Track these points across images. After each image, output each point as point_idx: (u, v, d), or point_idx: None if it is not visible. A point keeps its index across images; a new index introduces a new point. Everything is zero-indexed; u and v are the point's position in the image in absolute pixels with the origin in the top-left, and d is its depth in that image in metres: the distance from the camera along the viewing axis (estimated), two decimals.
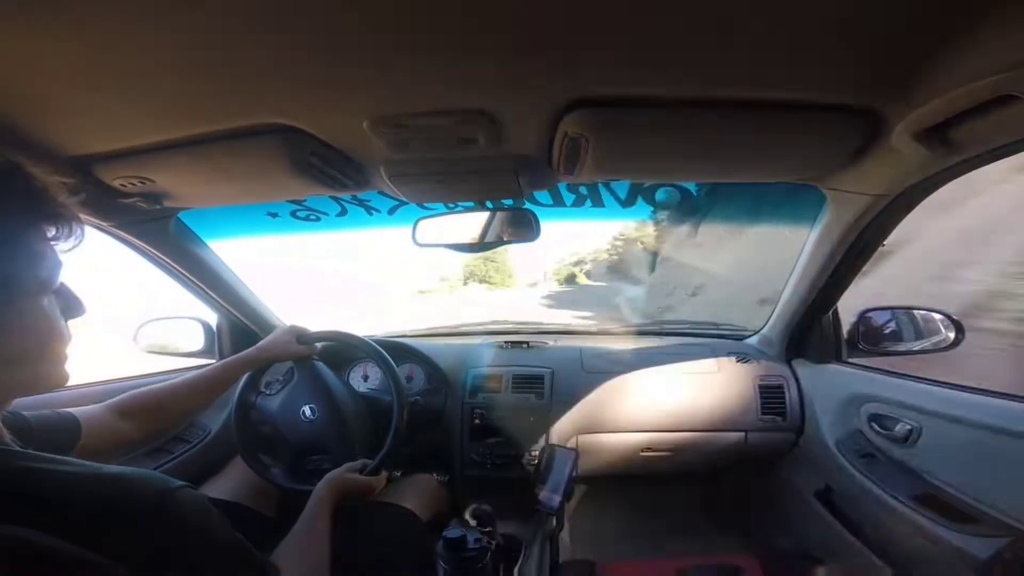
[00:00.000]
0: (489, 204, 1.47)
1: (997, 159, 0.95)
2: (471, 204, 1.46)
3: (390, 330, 2.36)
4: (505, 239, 1.52)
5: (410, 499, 1.51)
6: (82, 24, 0.65)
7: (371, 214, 1.59)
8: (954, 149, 0.92)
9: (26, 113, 0.88)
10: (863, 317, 1.66)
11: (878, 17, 0.67)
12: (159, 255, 1.55)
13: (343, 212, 1.57)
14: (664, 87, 0.86)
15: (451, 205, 1.48)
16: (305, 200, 1.49)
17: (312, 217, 1.61)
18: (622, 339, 2.28)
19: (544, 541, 1.66)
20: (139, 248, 1.50)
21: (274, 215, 1.57)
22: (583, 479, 1.48)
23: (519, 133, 1.05)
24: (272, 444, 1.51)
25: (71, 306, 0.73)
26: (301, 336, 1.51)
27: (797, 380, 1.85)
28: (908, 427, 1.35)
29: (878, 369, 1.61)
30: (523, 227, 1.47)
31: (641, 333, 2.39)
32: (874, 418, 1.48)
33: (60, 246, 0.68)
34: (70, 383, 0.75)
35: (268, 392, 1.56)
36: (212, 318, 1.96)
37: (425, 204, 1.48)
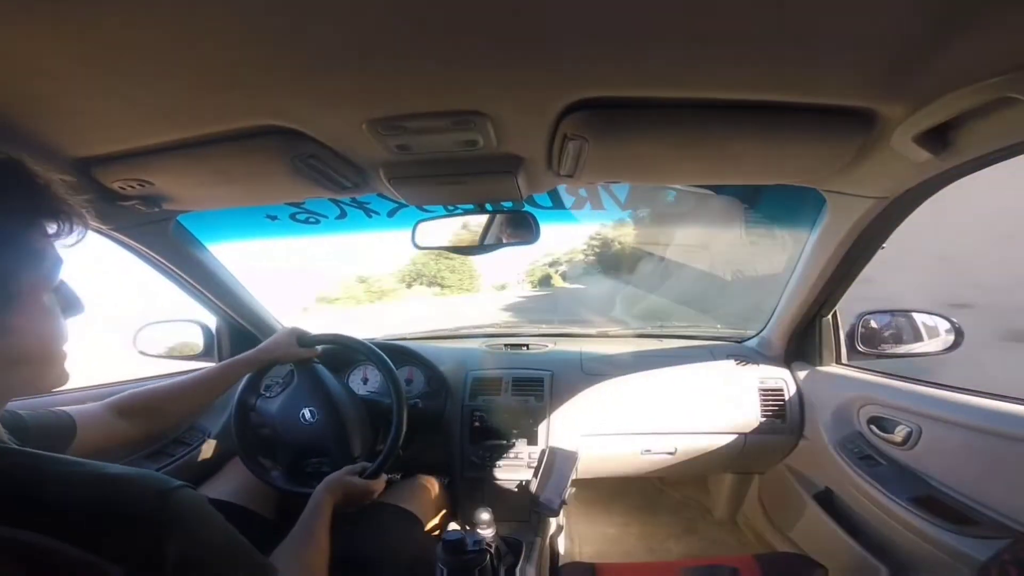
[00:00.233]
0: (488, 206, 1.47)
1: (997, 161, 0.95)
2: (470, 206, 1.46)
3: (389, 333, 2.36)
4: (504, 241, 1.52)
5: (410, 501, 1.51)
6: (82, 25, 0.64)
7: (370, 216, 1.59)
8: (954, 152, 0.92)
9: (25, 115, 0.88)
10: (862, 320, 1.66)
11: (877, 19, 0.67)
12: (158, 258, 1.55)
13: (342, 215, 1.57)
14: (664, 89, 0.86)
15: (450, 207, 1.48)
16: (304, 202, 1.49)
17: (311, 219, 1.61)
18: (621, 342, 2.28)
19: (544, 543, 1.66)
20: (138, 251, 1.50)
21: (273, 218, 1.57)
22: (582, 481, 1.48)
23: (519, 135, 1.05)
24: (271, 446, 1.51)
25: (70, 304, 0.73)
26: (302, 338, 1.51)
27: (796, 382, 1.85)
28: (907, 429, 1.35)
29: (877, 371, 1.61)
30: (522, 229, 1.47)
31: (641, 336, 2.39)
32: (873, 420, 1.48)
33: (61, 243, 0.68)
34: (68, 385, 0.75)
35: (268, 395, 1.55)
36: (211, 321, 1.96)
37: (424, 206, 1.48)
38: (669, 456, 1.87)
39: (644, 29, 0.69)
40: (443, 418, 1.88)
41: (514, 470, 1.81)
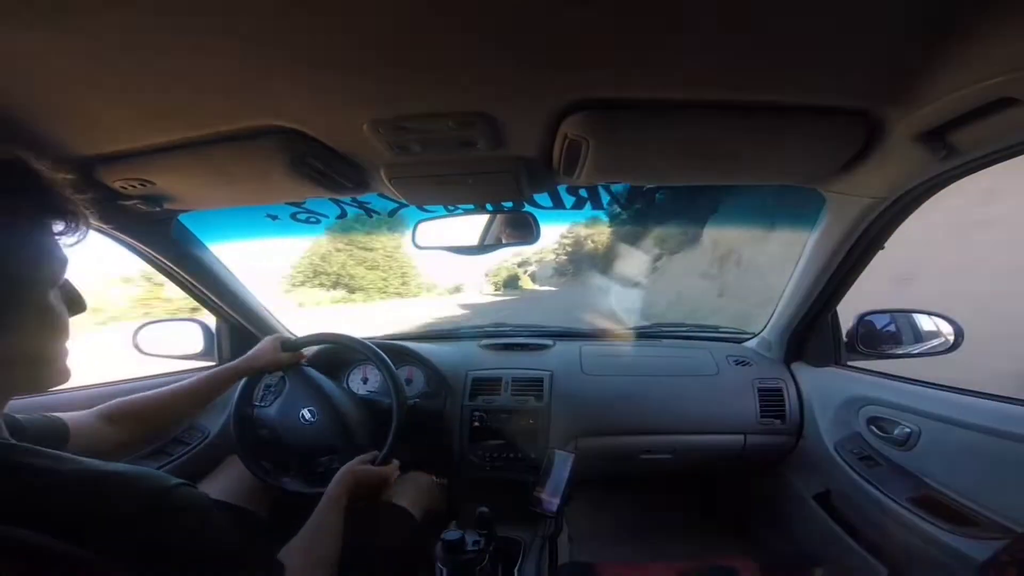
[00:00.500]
0: (489, 206, 1.47)
1: (997, 162, 0.96)
2: (471, 206, 1.47)
3: (387, 333, 2.36)
4: (504, 241, 1.52)
5: (405, 498, 1.51)
6: (84, 26, 0.65)
7: (371, 216, 1.59)
8: (953, 152, 0.93)
9: (27, 114, 0.89)
10: (862, 320, 1.65)
11: (877, 21, 0.67)
12: (159, 257, 1.55)
13: (343, 214, 1.57)
14: (664, 90, 0.87)
15: (451, 207, 1.48)
16: (305, 202, 1.49)
17: (312, 219, 1.61)
18: (621, 342, 2.28)
19: (543, 543, 1.66)
20: (139, 250, 1.51)
21: (274, 217, 1.57)
22: (582, 481, 1.48)
23: (519, 135, 1.05)
24: (278, 452, 1.50)
25: (74, 302, 0.73)
26: (285, 344, 1.52)
27: (796, 383, 1.84)
28: (907, 430, 1.35)
29: (877, 372, 1.61)
30: (523, 229, 1.47)
31: (640, 335, 2.39)
32: (873, 421, 1.48)
33: (65, 241, 0.69)
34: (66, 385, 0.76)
35: (263, 404, 1.55)
36: (211, 321, 1.96)
37: (425, 206, 1.48)
38: (669, 456, 1.87)
39: (644, 31, 0.69)
40: (443, 418, 1.88)
41: (513, 470, 1.81)
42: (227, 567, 0.70)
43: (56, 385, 0.72)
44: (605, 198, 1.61)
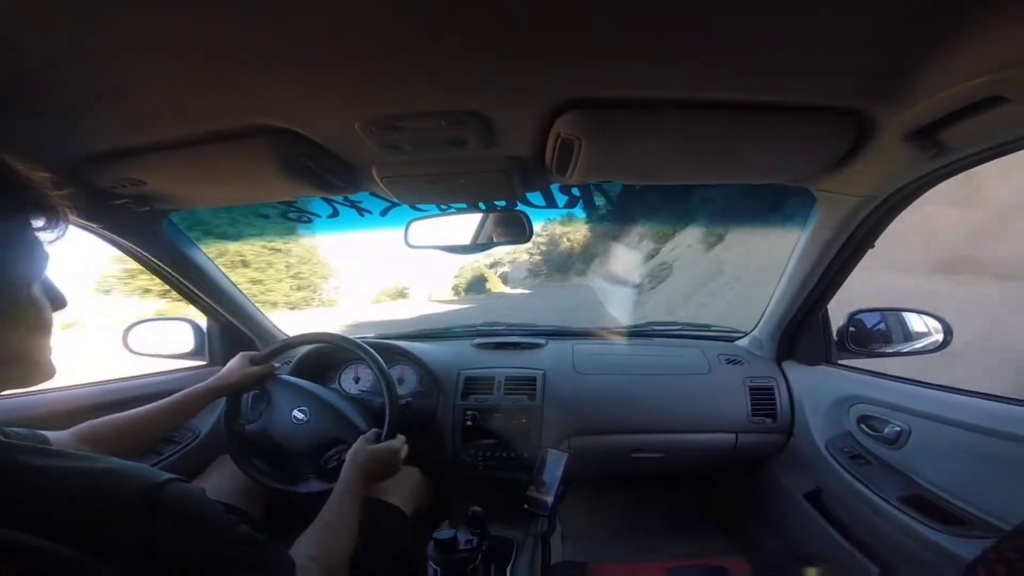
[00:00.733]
0: (481, 205, 1.47)
1: (986, 160, 0.97)
2: (464, 205, 1.47)
3: (378, 332, 2.35)
4: (497, 240, 1.52)
5: (394, 494, 1.50)
6: (74, 24, 0.64)
7: (363, 215, 1.58)
8: (943, 150, 0.94)
9: (17, 114, 0.88)
10: (852, 319, 1.66)
11: (867, 20, 0.67)
12: (149, 257, 1.54)
13: (335, 213, 1.56)
14: (656, 89, 0.87)
15: (443, 206, 1.48)
16: (297, 201, 1.49)
17: (304, 218, 1.60)
18: (614, 340, 2.28)
19: (536, 542, 1.66)
20: (130, 250, 1.50)
21: (265, 216, 1.56)
22: (575, 480, 1.48)
23: (512, 135, 1.05)
24: (283, 460, 1.48)
25: (55, 298, 0.73)
26: (253, 359, 1.51)
27: (787, 381, 1.85)
28: (897, 428, 1.35)
29: (867, 371, 1.62)
30: (515, 228, 1.47)
31: (632, 334, 2.39)
32: (863, 419, 1.49)
33: (45, 237, 0.68)
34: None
35: (252, 420, 1.53)
36: (202, 320, 1.95)
37: (417, 206, 1.48)
38: (661, 455, 1.87)
39: (637, 30, 0.69)
40: (435, 417, 1.88)
41: (506, 470, 1.81)
42: (231, 564, 0.69)
43: (42, 381, 0.72)
44: (598, 198, 1.61)
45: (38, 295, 0.68)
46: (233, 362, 1.48)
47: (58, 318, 0.73)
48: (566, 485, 1.45)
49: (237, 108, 0.92)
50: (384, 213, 1.57)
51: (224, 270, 1.79)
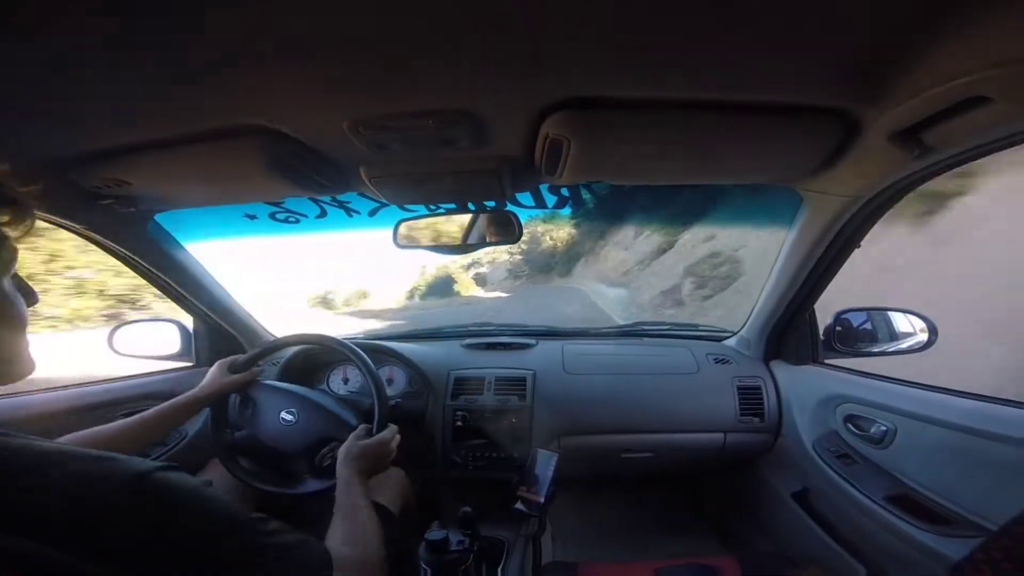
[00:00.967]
0: (471, 205, 1.46)
1: (971, 160, 0.97)
2: (453, 206, 1.46)
3: (369, 332, 2.34)
4: (487, 240, 1.52)
5: (381, 494, 1.50)
6: (56, 23, 0.63)
7: (351, 216, 1.57)
8: (928, 150, 0.94)
9: None
10: (839, 318, 1.67)
11: (851, 20, 0.68)
12: (135, 258, 1.53)
13: (323, 214, 1.55)
14: (644, 89, 0.87)
15: (432, 207, 1.48)
16: (284, 202, 1.47)
17: (291, 219, 1.59)
18: (603, 340, 2.29)
19: (527, 543, 1.66)
20: (115, 251, 1.48)
21: (252, 217, 1.55)
22: (565, 481, 1.48)
23: (501, 135, 1.05)
24: (277, 463, 1.46)
25: (27, 293, 0.72)
26: (232, 365, 1.49)
27: (775, 381, 1.86)
28: (883, 428, 1.37)
29: (854, 370, 1.63)
30: (505, 228, 1.47)
31: (622, 334, 2.40)
32: (850, 419, 1.50)
33: (11, 232, 0.67)
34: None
35: (239, 427, 1.51)
36: (189, 321, 1.93)
37: (406, 206, 1.47)
38: (651, 455, 1.88)
39: (625, 30, 0.69)
40: (425, 418, 1.87)
41: (497, 470, 1.81)
42: (245, 554, 0.65)
43: (20, 378, 0.71)
44: (587, 197, 1.62)
45: (9, 290, 0.67)
46: (212, 371, 1.46)
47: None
48: (556, 485, 1.45)
49: (223, 108, 0.91)
50: (372, 214, 1.56)
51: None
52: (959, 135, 0.89)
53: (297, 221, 1.61)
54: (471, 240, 1.51)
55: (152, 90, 0.83)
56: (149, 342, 1.88)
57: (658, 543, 2.16)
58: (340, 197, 1.45)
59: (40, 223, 0.79)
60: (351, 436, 1.27)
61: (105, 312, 8.05)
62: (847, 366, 1.68)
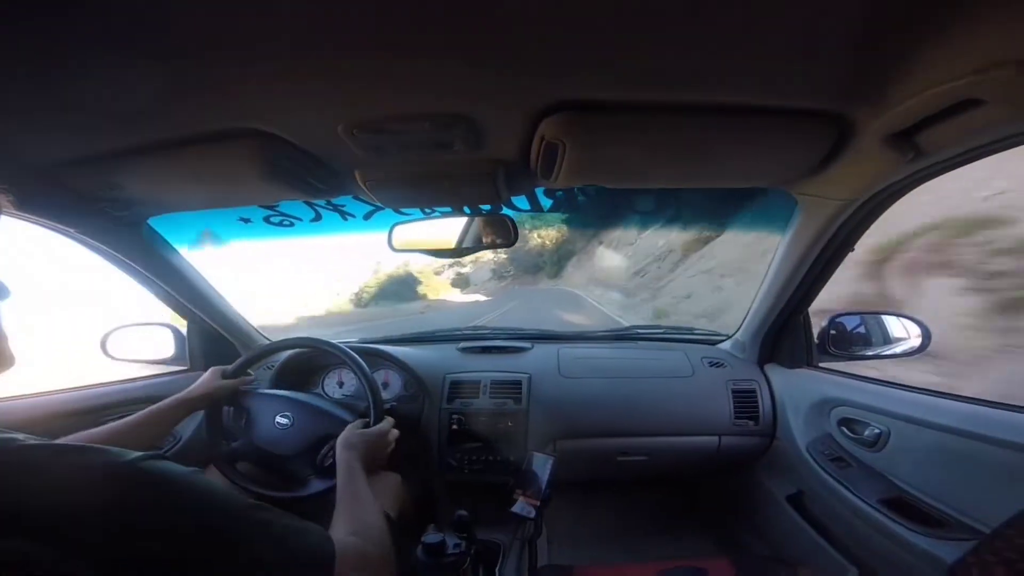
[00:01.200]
0: (466, 209, 1.46)
1: (965, 163, 0.98)
2: (448, 209, 1.46)
3: (364, 337, 2.33)
4: (482, 244, 1.52)
5: (380, 499, 1.49)
6: (46, 26, 0.63)
7: (346, 219, 1.57)
8: (922, 153, 0.95)
9: None
10: (833, 322, 1.68)
11: (845, 23, 0.68)
12: (128, 261, 1.52)
13: (317, 217, 1.55)
14: (639, 92, 0.88)
15: (428, 210, 1.48)
16: (278, 205, 1.47)
17: (286, 222, 1.58)
18: (598, 344, 2.29)
19: (523, 546, 1.66)
20: (108, 255, 1.47)
21: (247, 220, 1.54)
22: (561, 484, 1.48)
23: (497, 138, 1.05)
24: (280, 468, 1.45)
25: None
26: (224, 372, 1.48)
27: (769, 384, 1.87)
28: (877, 431, 1.37)
29: (848, 373, 1.63)
30: (500, 231, 1.47)
31: (617, 338, 2.40)
32: (844, 422, 1.50)
33: None
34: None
35: (236, 437, 1.50)
36: (183, 324, 1.92)
37: (401, 209, 1.47)
38: (646, 458, 1.88)
39: (619, 33, 0.69)
40: (420, 421, 1.87)
41: (492, 473, 1.81)
42: (242, 543, 0.62)
43: (1, 372, 0.70)
44: (581, 200, 1.62)
45: None
46: (205, 376, 1.45)
47: None
48: (552, 488, 1.45)
49: (218, 112, 0.91)
50: (367, 217, 1.56)
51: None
52: (953, 138, 0.90)
53: (292, 225, 1.60)
54: (466, 244, 1.51)
55: (146, 94, 0.82)
56: (143, 346, 1.87)
57: (653, 546, 2.16)
58: (335, 200, 1.45)
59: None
60: (348, 427, 1.28)
61: None
62: (841, 369, 1.69)
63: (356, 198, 1.42)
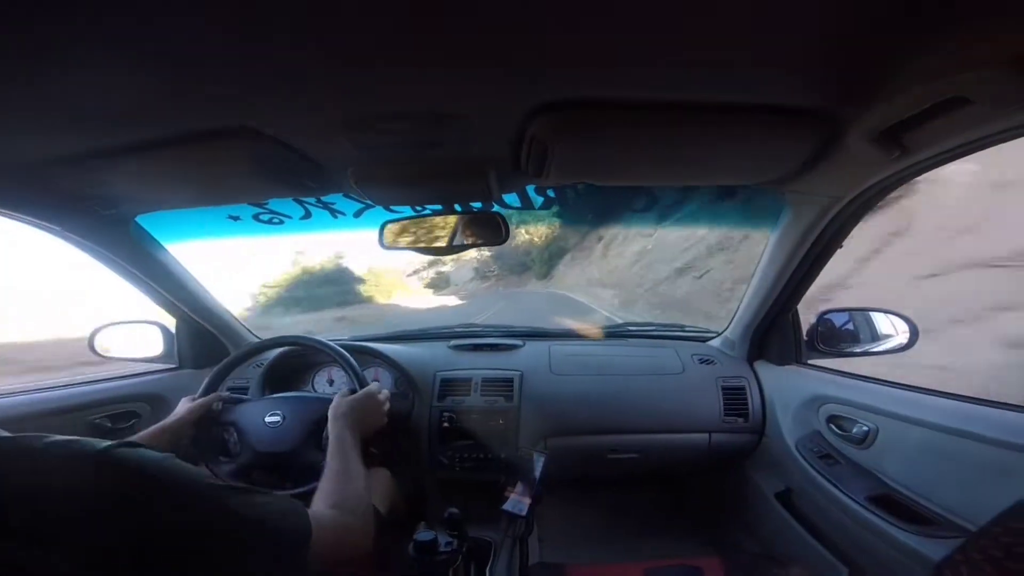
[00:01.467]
0: (457, 207, 1.46)
1: (949, 161, 0.99)
2: (439, 207, 1.46)
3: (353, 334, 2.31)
4: (473, 242, 1.52)
5: (372, 495, 1.49)
6: (30, 23, 0.62)
7: (336, 217, 1.56)
8: (908, 151, 0.96)
9: None
10: (822, 319, 1.69)
11: (833, 21, 0.69)
12: (116, 259, 1.51)
13: (307, 215, 1.54)
14: (627, 91, 0.88)
15: (418, 208, 1.47)
16: (268, 203, 1.46)
17: (275, 220, 1.58)
18: (590, 341, 2.29)
19: (514, 544, 1.66)
20: (96, 252, 1.46)
21: (236, 218, 1.53)
22: (552, 482, 1.48)
23: (487, 136, 1.05)
24: (289, 465, 1.41)
25: None
26: (193, 397, 1.44)
27: (759, 381, 1.88)
28: (865, 428, 1.37)
29: (837, 370, 1.64)
30: (491, 229, 1.47)
31: (608, 335, 2.41)
32: (832, 419, 1.51)
33: None
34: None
35: (235, 453, 1.44)
36: (171, 322, 1.91)
37: (392, 207, 1.46)
38: (637, 455, 1.89)
39: (608, 32, 0.69)
40: (411, 419, 1.86)
41: (484, 471, 1.81)
42: (220, 524, 0.62)
43: None
44: (571, 195, 1.62)
45: None
46: (178, 406, 1.40)
47: None
48: (543, 486, 1.45)
49: (207, 110, 0.90)
50: (358, 215, 1.55)
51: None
52: (938, 136, 0.91)
53: (281, 222, 1.59)
54: (457, 241, 1.51)
55: (135, 92, 0.82)
56: (131, 344, 1.86)
57: (644, 544, 2.17)
58: (325, 198, 1.44)
59: None
60: (336, 396, 1.29)
61: None
62: (830, 366, 1.70)
63: (346, 196, 1.41)
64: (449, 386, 1.90)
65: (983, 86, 0.73)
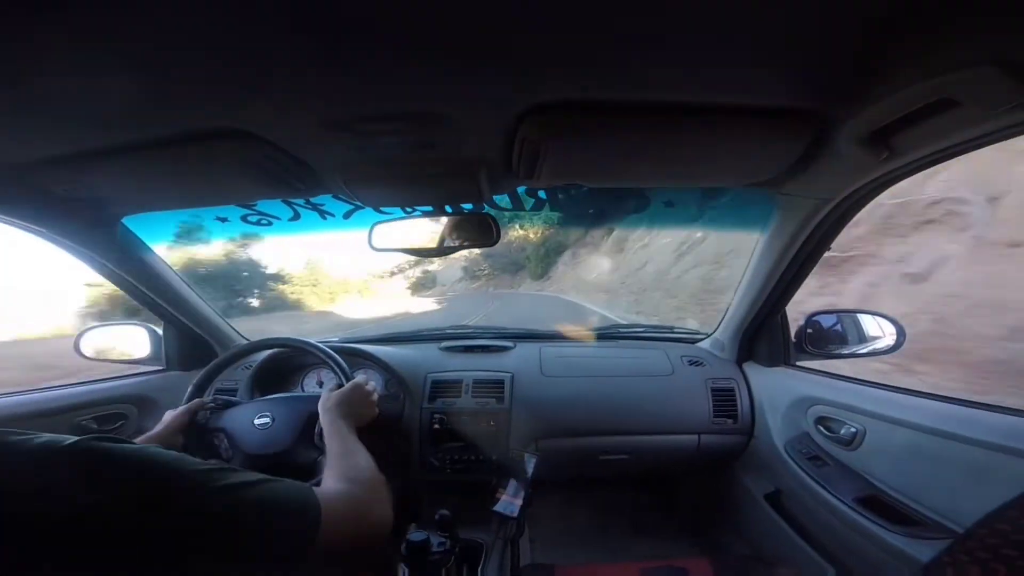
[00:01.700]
0: (448, 208, 1.46)
1: (938, 162, 0.99)
2: (429, 208, 1.45)
3: (345, 335, 2.31)
4: (463, 243, 1.51)
5: None
6: (20, 24, 0.61)
7: (325, 218, 1.55)
8: (897, 153, 0.97)
9: None
10: (810, 320, 1.70)
11: (822, 24, 0.69)
12: (103, 261, 1.50)
13: (296, 216, 1.53)
14: (617, 92, 0.88)
15: (409, 209, 1.47)
16: (256, 204, 1.45)
17: (264, 221, 1.56)
18: (580, 343, 2.29)
19: (505, 545, 1.66)
20: (83, 254, 1.45)
21: (224, 219, 1.52)
22: (543, 484, 1.48)
23: (478, 137, 1.05)
24: (286, 464, 1.39)
25: None
26: (184, 399, 1.43)
27: (747, 383, 1.89)
28: (852, 430, 1.38)
29: (825, 372, 1.65)
30: (482, 231, 1.46)
31: (599, 337, 2.41)
32: (820, 421, 1.52)
33: None
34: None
35: (226, 459, 1.41)
36: (159, 324, 1.89)
37: (382, 208, 1.46)
38: (627, 457, 1.89)
39: (598, 34, 0.70)
40: (401, 421, 1.86)
41: (474, 473, 1.80)
42: (212, 507, 0.60)
43: None
44: (564, 199, 1.62)
45: None
46: (165, 416, 1.37)
47: None
48: (534, 488, 1.45)
49: (195, 111, 0.89)
50: (347, 216, 1.55)
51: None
52: (928, 138, 0.91)
53: (270, 223, 1.58)
54: (448, 243, 1.50)
55: (123, 93, 0.81)
56: (118, 346, 1.85)
57: (635, 545, 2.17)
58: (314, 199, 1.43)
59: None
60: (324, 391, 1.31)
61: None
62: (819, 368, 1.71)
63: (336, 197, 1.41)
64: (440, 388, 1.90)
65: (972, 89, 0.74)
